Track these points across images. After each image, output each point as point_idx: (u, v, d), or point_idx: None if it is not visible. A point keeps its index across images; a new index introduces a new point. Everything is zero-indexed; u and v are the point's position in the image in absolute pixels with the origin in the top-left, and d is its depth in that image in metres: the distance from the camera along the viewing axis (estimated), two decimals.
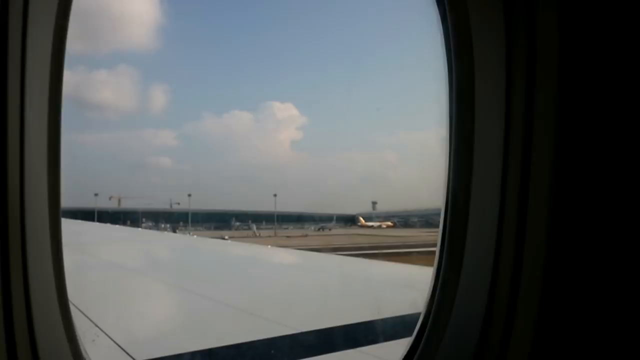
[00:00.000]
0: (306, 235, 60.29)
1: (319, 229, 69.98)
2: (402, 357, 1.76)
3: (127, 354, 4.53)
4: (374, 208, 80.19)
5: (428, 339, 1.69)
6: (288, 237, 56.90)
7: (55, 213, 1.50)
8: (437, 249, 1.71)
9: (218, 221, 70.42)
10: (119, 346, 4.75)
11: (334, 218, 74.75)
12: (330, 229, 70.25)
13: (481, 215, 1.56)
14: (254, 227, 65.97)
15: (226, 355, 4.63)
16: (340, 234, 63.78)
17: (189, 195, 68.45)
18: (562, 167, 1.37)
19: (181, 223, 64.76)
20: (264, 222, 71.27)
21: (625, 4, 1.31)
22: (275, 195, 71.19)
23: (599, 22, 1.33)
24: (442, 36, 1.65)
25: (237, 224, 68.65)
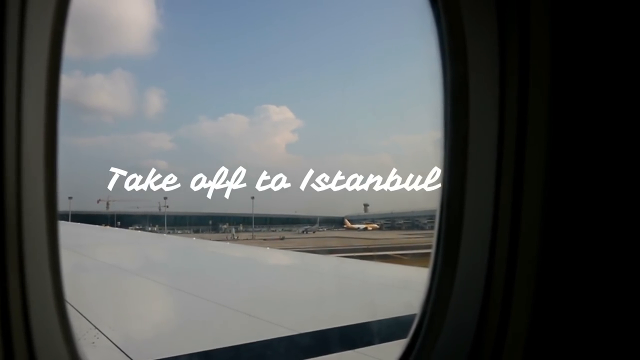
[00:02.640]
0: (283, 238, 60.57)
1: (302, 232, 70.49)
2: (399, 357, 1.76)
3: None
4: (365, 210, 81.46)
5: (424, 339, 1.70)
6: (264, 239, 57.11)
7: (53, 215, 1.50)
8: (432, 250, 1.71)
9: (204, 224, 70.39)
10: None
11: (318, 220, 75.46)
12: (314, 232, 70.77)
13: (476, 216, 1.57)
14: (233, 230, 66.33)
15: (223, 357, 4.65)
16: (319, 237, 64.38)
17: (165, 198, 68.10)
18: (556, 167, 1.39)
19: (156, 226, 64.54)
20: (240, 225, 71.39)
21: (618, 6, 1.33)
22: (252, 197, 71.55)
23: (591, 23, 1.35)
24: (437, 37, 1.66)
25: (225, 226, 68.85)
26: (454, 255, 1.62)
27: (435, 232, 1.71)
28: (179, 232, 62.52)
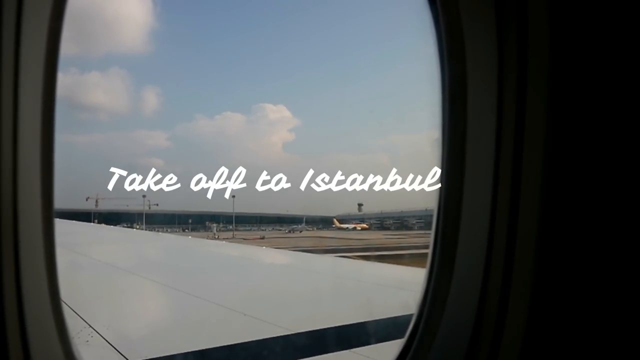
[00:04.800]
0: (263, 237, 60.75)
1: (288, 231, 70.75)
2: (395, 357, 1.76)
3: None
4: (359, 210, 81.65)
5: (420, 339, 1.70)
6: (244, 238, 57.46)
7: (48, 213, 1.48)
8: (429, 250, 1.71)
9: (195, 222, 70.32)
10: None
11: (304, 220, 75.83)
12: (300, 231, 71.04)
13: (473, 216, 1.57)
14: (215, 228, 66.45)
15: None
16: (300, 237, 64.96)
17: (144, 196, 67.63)
18: (554, 167, 1.39)
19: (138, 223, 64.30)
20: (222, 223, 71.42)
21: (617, 7, 1.33)
22: (233, 196, 71.62)
23: (589, 22, 1.35)
24: (435, 37, 1.66)
25: (214, 224, 68.92)
26: (450, 256, 1.62)
27: (432, 232, 1.70)
28: (168, 230, 62.42)
